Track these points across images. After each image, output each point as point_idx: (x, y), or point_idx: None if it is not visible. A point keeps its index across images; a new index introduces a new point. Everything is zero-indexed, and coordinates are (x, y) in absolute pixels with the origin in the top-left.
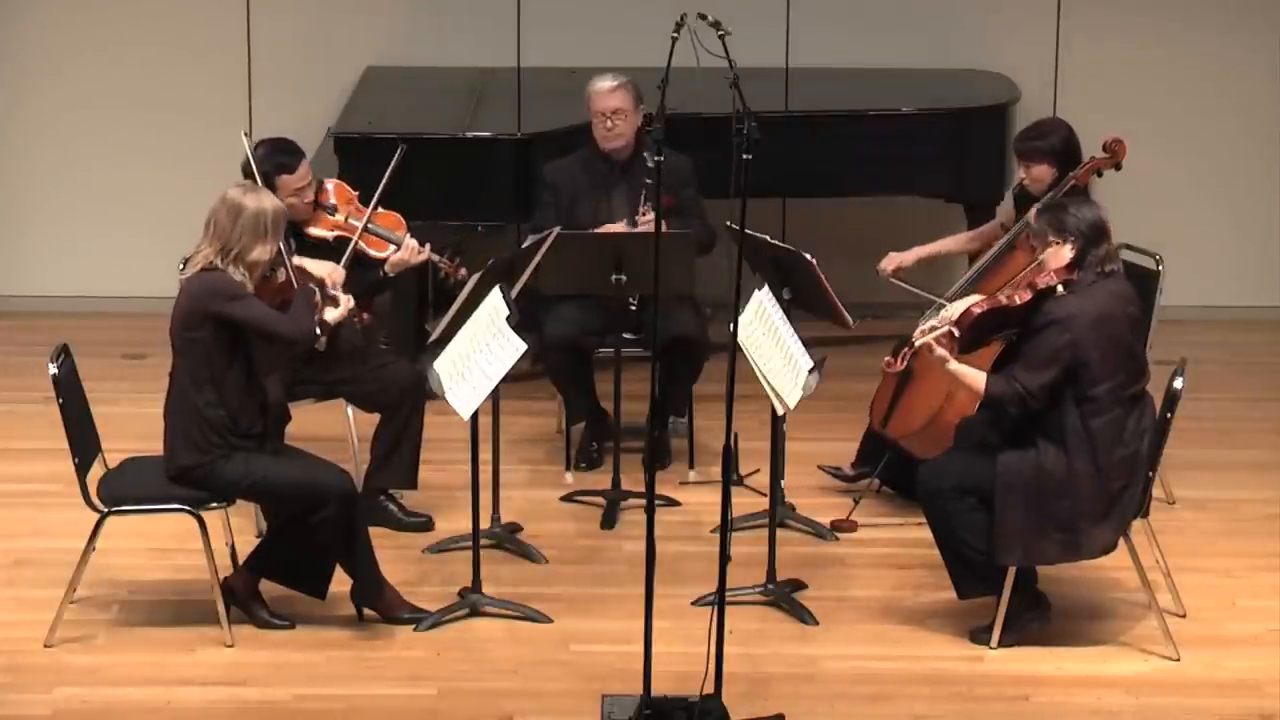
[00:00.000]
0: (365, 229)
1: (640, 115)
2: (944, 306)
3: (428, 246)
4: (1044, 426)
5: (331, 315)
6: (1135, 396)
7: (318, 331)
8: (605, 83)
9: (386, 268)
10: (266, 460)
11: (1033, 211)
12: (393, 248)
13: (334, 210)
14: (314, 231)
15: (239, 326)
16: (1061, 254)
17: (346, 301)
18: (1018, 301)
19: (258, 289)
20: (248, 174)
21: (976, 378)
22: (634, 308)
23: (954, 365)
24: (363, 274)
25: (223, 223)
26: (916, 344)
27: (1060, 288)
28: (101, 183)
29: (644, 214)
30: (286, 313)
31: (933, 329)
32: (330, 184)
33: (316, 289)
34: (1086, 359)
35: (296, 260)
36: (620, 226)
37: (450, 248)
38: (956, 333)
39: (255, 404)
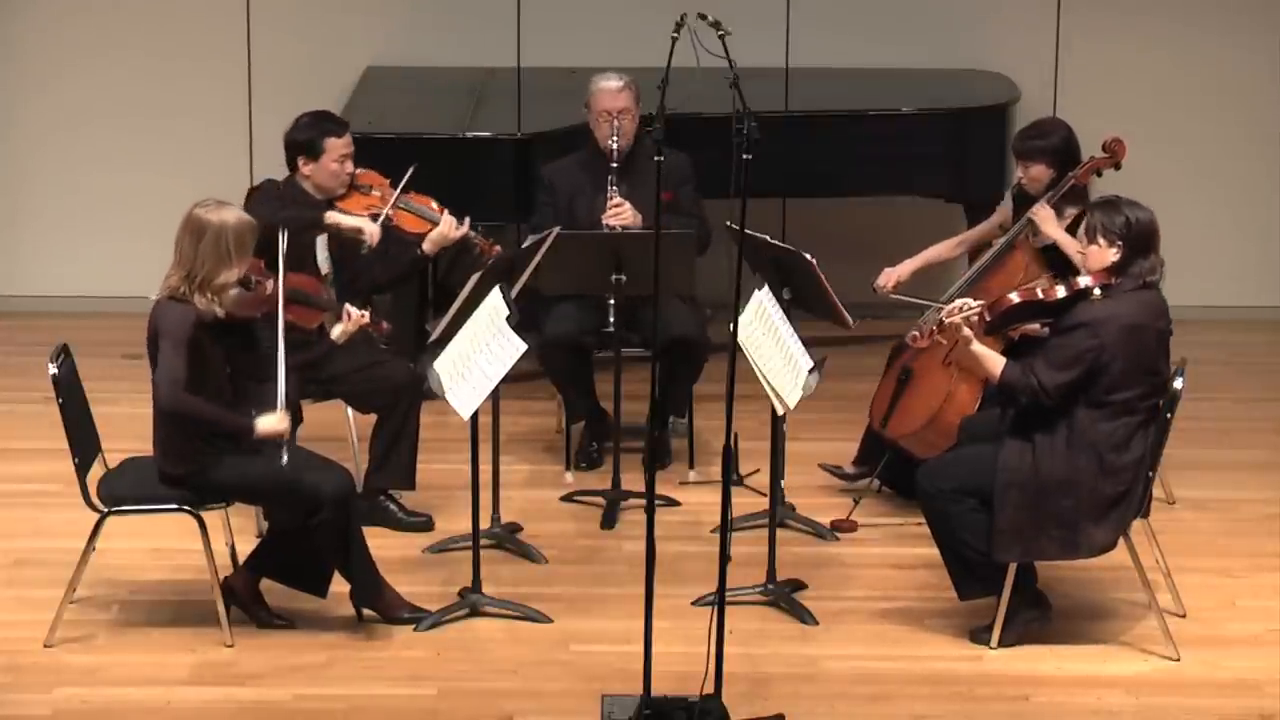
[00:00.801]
0: (399, 206)
1: (638, 114)
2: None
3: (466, 221)
4: (1050, 425)
5: (337, 332)
6: (1150, 410)
7: (284, 459)
8: (612, 82)
9: (425, 245)
10: (259, 464)
11: (1035, 208)
12: (429, 225)
13: (368, 190)
14: (348, 208)
15: (198, 349)
16: (1105, 256)
17: (357, 318)
18: (1055, 296)
19: (244, 301)
20: (291, 146)
21: (995, 361)
22: (611, 301)
23: (976, 346)
24: (397, 258)
25: (186, 249)
26: (947, 322)
27: (1097, 291)
28: (101, 183)
29: (611, 197)
30: (195, 397)
31: (964, 307)
32: (362, 170)
33: (258, 426)
34: (1109, 365)
35: (333, 217)
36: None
37: (480, 228)
38: (989, 317)
39: (237, 411)
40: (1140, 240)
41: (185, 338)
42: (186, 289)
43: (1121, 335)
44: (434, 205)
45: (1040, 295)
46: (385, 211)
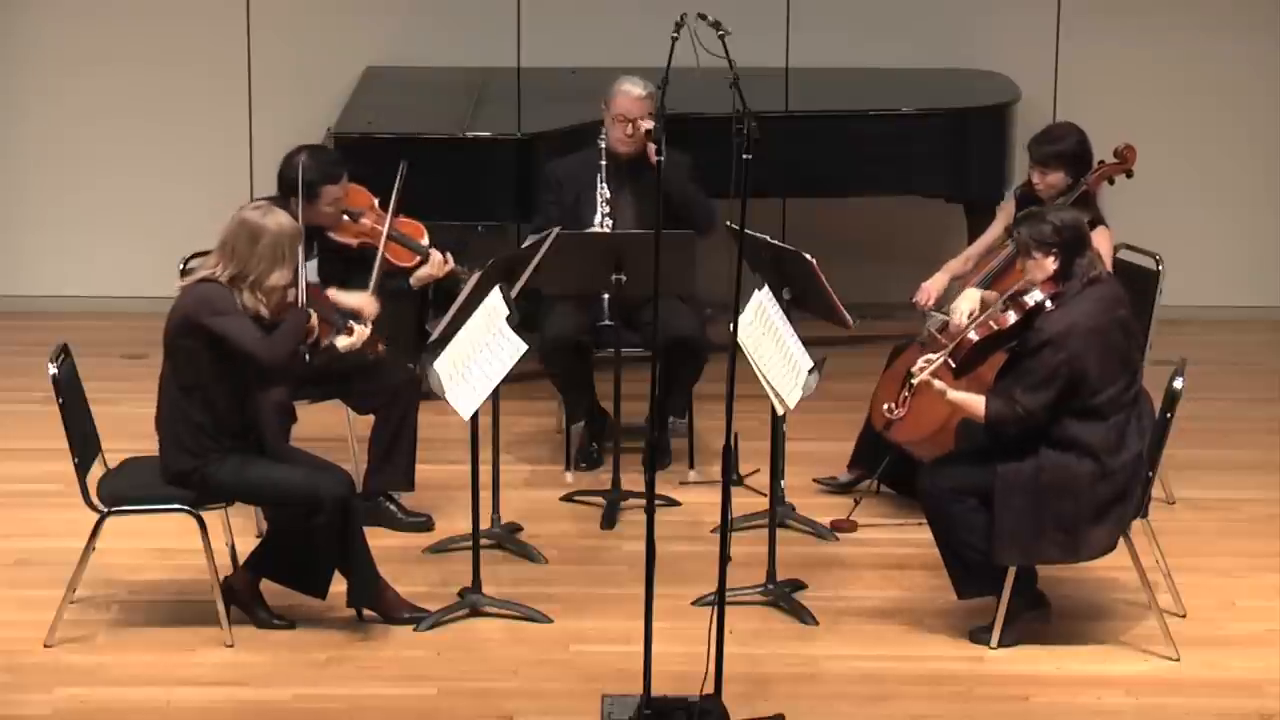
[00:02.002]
0: (390, 238)
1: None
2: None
3: (450, 258)
4: (1047, 431)
5: (342, 344)
6: (1134, 399)
7: (306, 357)
8: (638, 89)
9: (412, 281)
10: (261, 465)
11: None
12: (417, 258)
13: (358, 217)
14: (337, 238)
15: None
16: (1045, 265)
17: (361, 333)
18: (1008, 324)
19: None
20: (285, 184)
21: (976, 403)
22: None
23: (952, 394)
24: (384, 280)
25: (242, 249)
26: (915, 381)
27: (1049, 303)
28: (102, 184)
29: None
30: (274, 332)
31: (929, 362)
32: (351, 187)
33: (313, 312)
34: (1085, 372)
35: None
36: None
37: (466, 262)
38: (954, 364)
39: (247, 409)
40: (1073, 241)
41: (235, 307)
42: (235, 288)
43: (1085, 341)
44: (424, 237)
45: (995, 326)
46: (380, 249)
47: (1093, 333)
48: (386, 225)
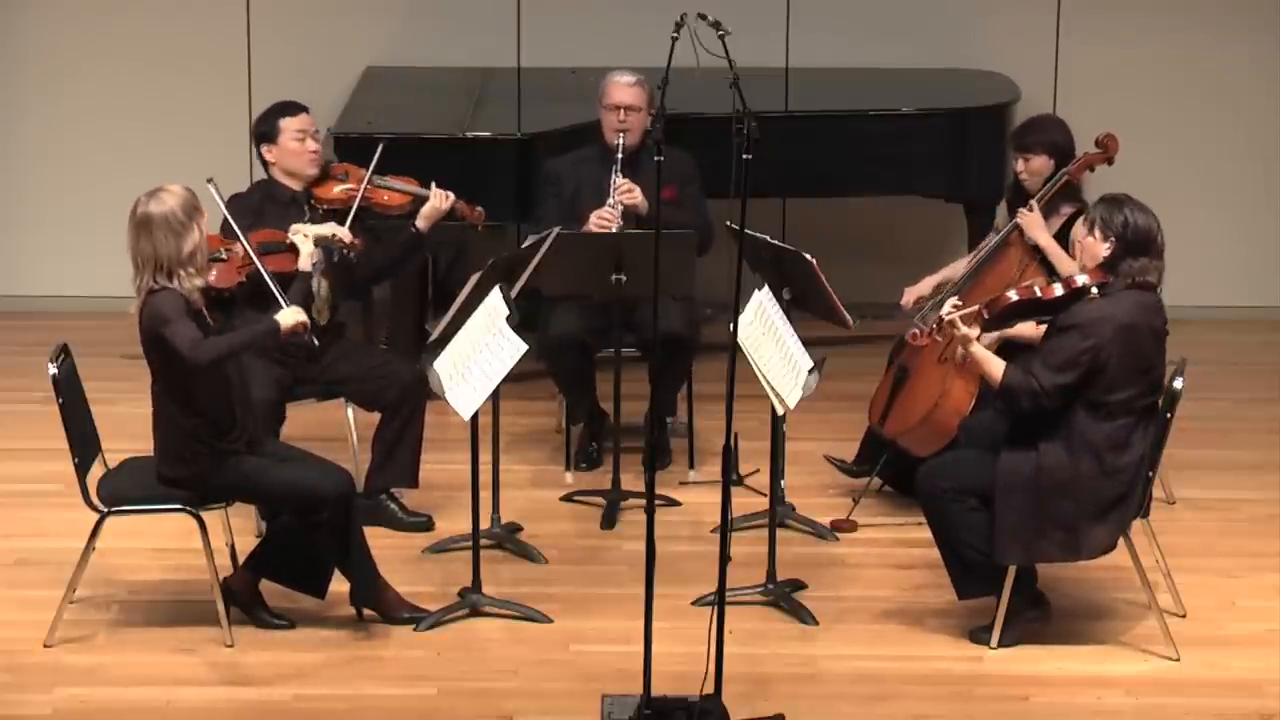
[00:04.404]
0: (374, 184)
1: (649, 114)
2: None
3: (450, 195)
4: (1050, 428)
5: (304, 262)
6: (1147, 409)
7: (314, 341)
8: (625, 77)
9: (419, 222)
10: (257, 465)
11: (1021, 211)
12: (409, 199)
13: (344, 177)
14: (325, 195)
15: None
16: (1098, 250)
17: (309, 238)
18: (1051, 295)
19: (222, 271)
20: (254, 140)
21: (996, 365)
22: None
23: (976, 347)
24: (392, 237)
25: (144, 247)
26: (945, 318)
27: (1094, 290)
28: (102, 184)
29: (617, 186)
30: (210, 339)
31: (957, 307)
32: (339, 163)
33: (279, 326)
34: (1105, 366)
35: (298, 228)
36: (604, 214)
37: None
38: (987, 315)
39: (237, 410)
40: (1134, 243)
41: (182, 311)
42: (165, 280)
43: (1116, 335)
44: (415, 183)
45: (1038, 293)
46: (358, 195)
47: (1124, 329)
48: (367, 176)
